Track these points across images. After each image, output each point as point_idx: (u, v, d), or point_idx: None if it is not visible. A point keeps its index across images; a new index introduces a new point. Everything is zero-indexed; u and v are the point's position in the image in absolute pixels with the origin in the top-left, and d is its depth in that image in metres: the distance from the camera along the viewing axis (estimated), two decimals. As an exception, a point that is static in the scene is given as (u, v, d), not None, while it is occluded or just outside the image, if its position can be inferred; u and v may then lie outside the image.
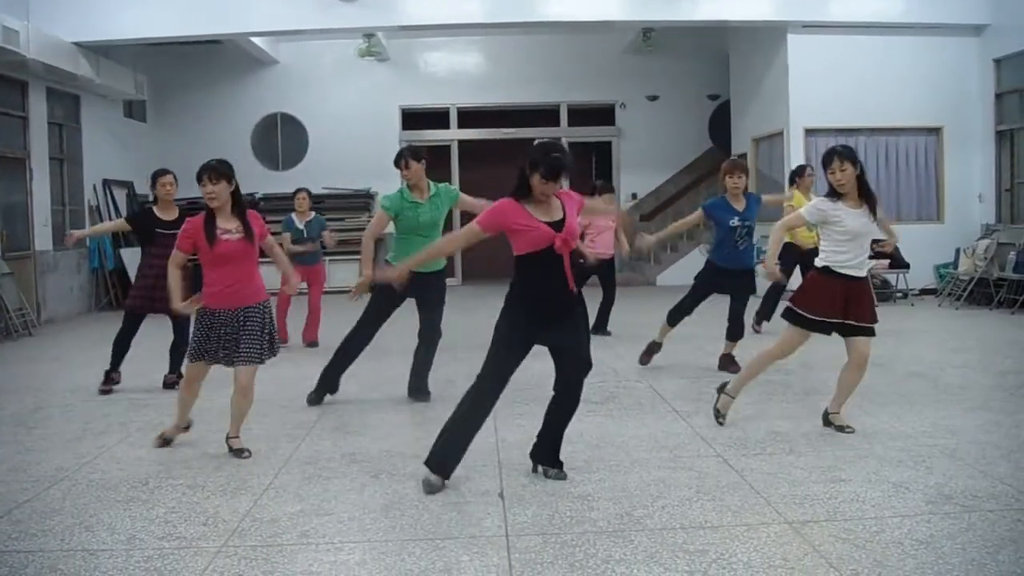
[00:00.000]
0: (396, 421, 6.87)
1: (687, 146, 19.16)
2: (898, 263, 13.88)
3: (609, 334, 10.94)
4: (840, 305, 5.96)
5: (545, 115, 19.41)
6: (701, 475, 5.23)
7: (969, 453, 5.51)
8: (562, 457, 5.36)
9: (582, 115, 19.59)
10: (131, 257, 15.17)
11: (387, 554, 4.18)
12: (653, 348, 8.79)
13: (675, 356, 9.00)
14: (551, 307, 5.06)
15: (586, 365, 5.29)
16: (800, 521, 4.43)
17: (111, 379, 8.29)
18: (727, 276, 8.39)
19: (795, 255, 10.33)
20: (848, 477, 5.10)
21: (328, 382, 7.54)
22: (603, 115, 19.60)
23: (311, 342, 10.72)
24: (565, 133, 19.36)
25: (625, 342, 10.32)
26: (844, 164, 5.90)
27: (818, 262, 6.14)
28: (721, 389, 6.54)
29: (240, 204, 5.89)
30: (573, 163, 5.01)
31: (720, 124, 18.66)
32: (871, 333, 6.09)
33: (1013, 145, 14.34)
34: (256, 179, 18.09)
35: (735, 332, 8.51)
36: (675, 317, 8.66)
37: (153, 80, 17.37)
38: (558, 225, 4.96)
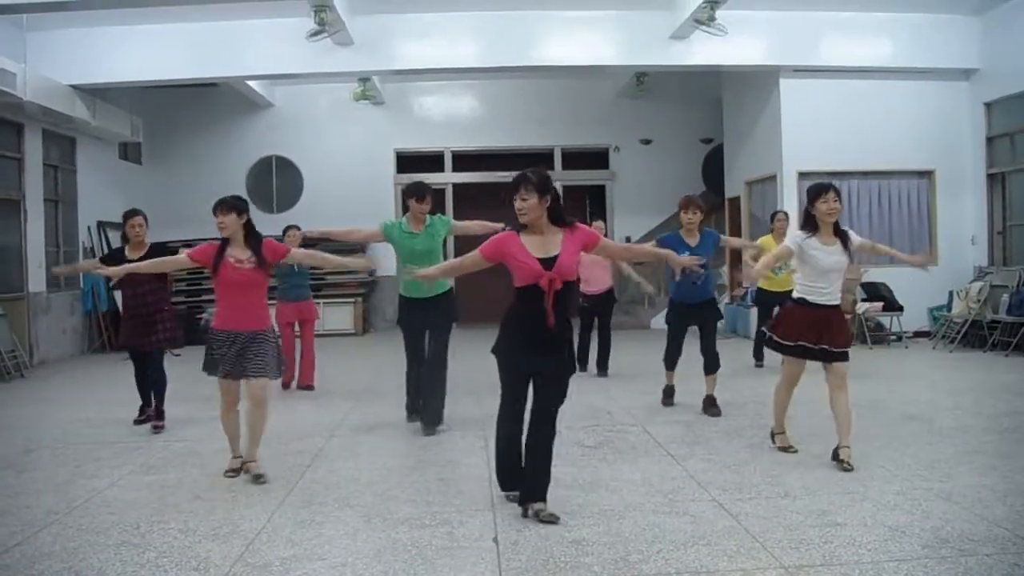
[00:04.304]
0: (390, 465, 6.83)
1: (681, 189, 19.03)
2: (891, 306, 13.92)
3: (606, 375, 11.09)
4: (815, 331, 6.36)
5: (539, 159, 19.42)
6: (696, 519, 5.20)
7: (965, 496, 5.49)
8: (556, 501, 5.33)
9: (576, 159, 19.67)
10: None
11: (380, 600, 4.14)
12: (668, 391, 9.04)
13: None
14: (535, 340, 5.27)
15: (560, 397, 5.40)
16: (796, 566, 4.40)
17: (143, 411, 8.65)
18: (690, 310, 8.72)
19: (772, 298, 10.95)
20: (844, 521, 5.07)
21: (424, 414, 7.96)
22: (597, 159, 19.68)
23: (306, 386, 10.55)
24: (559, 176, 19.43)
25: (619, 385, 10.32)
26: (838, 199, 6.36)
27: (795, 295, 6.60)
28: (772, 435, 6.98)
29: (254, 236, 6.38)
30: (535, 178, 5.20)
31: (713, 168, 18.75)
32: (845, 358, 6.42)
33: (1004, 188, 14.42)
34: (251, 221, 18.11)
35: (710, 365, 8.67)
36: (669, 362, 8.99)
37: (149, 122, 17.44)
38: (551, 262, 5.17)
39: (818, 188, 6.43)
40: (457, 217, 8.44)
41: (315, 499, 5.84)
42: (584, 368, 11.17)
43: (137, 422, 8.55)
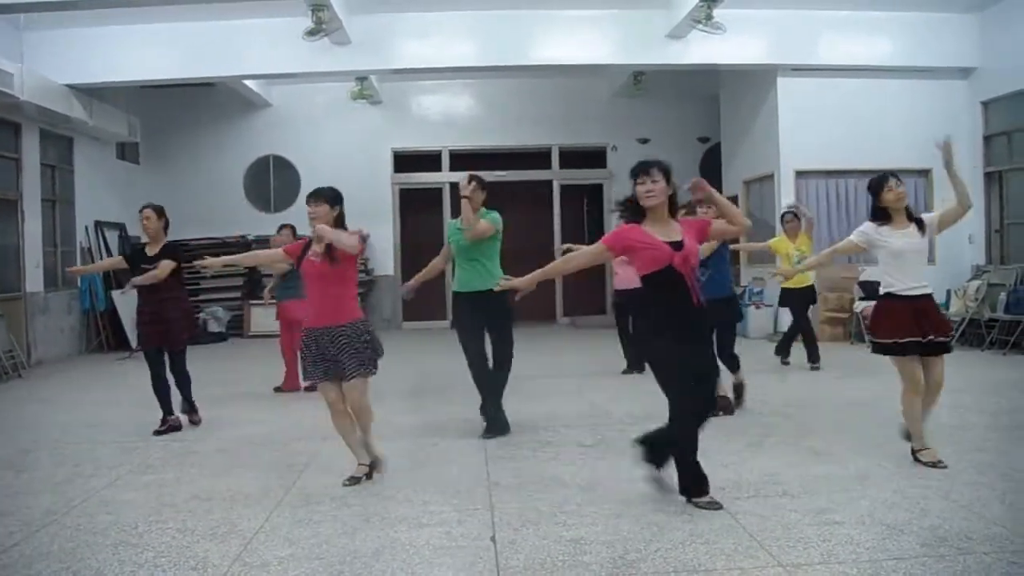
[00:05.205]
0: (389, 465, 6.82)
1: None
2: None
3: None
4: (912, 323, 6.23)
5: (537, 158, 19.50)
6: (694, 518, 5.19)
7: (963, 495, 5.49)
8: (554, 501, 5.33)
9: (574, 158, 19.67)
10: (122, 299, 15.15)
11: (378, 599, 4.13)
12: (739, 390, 8.65)
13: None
14: (683, 326, 5.32)
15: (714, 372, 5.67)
16: (794, 564, 4.39)
17: (164, 421, 8.24)
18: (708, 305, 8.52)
19: (796, 295, 11.41)
20: (842, 519, 5.07)
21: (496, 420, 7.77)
22: (594, 158, 19.68)
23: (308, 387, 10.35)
24: (557, 176, 19.48)
25: (619, 384, 10.31)
26: (901, 184, 6.40)
27: (881, 290, 6.47)
28: (915, 453, 6.48)
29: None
30: (662, 164, 5.47)
31: (711, 167, 18.73)
32: (946, 349, 6.34)
33: (1002, 187, 14.44)
34: (248, 221, 18.16)
35: (724, 365, 8.50)
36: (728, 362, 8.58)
37: (146, 122, 17.43)
38: (677, 245, 5.30)
39: (879, 180, 6.43)
40: (455, 219, 8.22)
41: (312, 499, 5.84)
42: (641, 369, 10.87)
43: (157, 432, 8.10)
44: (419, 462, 6.80)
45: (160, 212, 8.37)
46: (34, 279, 13.94)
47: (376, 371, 6.25)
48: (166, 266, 8.08)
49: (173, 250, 8.27)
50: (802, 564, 4.40)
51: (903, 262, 6.34)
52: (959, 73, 14.91)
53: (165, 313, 8.20)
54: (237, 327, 17.55)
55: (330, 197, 6.28)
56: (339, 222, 6.28)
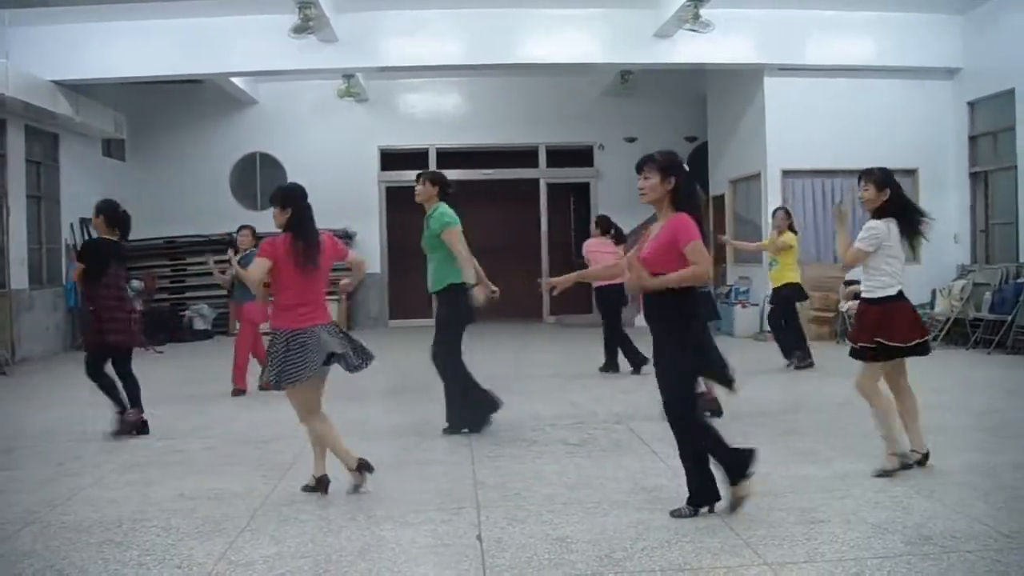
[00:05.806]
0: (373, 463, 6.81)
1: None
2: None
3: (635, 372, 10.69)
4: (866, 330, 6.15)
5: (524, 156, 19.50)
6: (680, 517, 5.20)
7: (948, 494, 5.51)
8: (540, 500, 5.33)
9: (561, 156, 19.68)
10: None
11: (363, 598, 4.12)
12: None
13: (653, 398, 8.96)
14: (652, 327, 5.27)
15: (663, 391, 5.45)
16: (779, 563, 4.40)
17: (116, 421, 8.00)
18: None
19: (772, 294, 11.43)
20: (827, 518, 5.08)
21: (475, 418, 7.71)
22: (582, 156, 19.69)
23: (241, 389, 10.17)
24: (544, 174, 19.47)
25: (604, 383, 10.31)
26: (867, 185, 6.11)
27: None
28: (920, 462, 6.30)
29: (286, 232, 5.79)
30: (658, 157, 5.12)
31: (698, 166, 18.75)
32: (903, 353, 6.22)
33: (987, 187, 14.50)
34: (235, 218, 18.02)
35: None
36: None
37: (132, 119, 17.36)
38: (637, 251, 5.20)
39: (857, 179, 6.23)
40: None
41: (298, 497, 5.82)
42: (635, 369, 10.67)
43: (115, 434, 7.90)
44: (404, 461, 6.79)
45: (96, 210, 8.05)
46: (19, 276, 13.87)
47: (275, 379, 5.68)
48: (77, 270, 7.96)
49: (82, 249, 8.10)
50: (787, 562, 4.41)
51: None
52: (945, 73, 14.97)
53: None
54: (223, 325, 17.47)
55: (279, 198, 5.79)
56: (298, 219, 5.74)
